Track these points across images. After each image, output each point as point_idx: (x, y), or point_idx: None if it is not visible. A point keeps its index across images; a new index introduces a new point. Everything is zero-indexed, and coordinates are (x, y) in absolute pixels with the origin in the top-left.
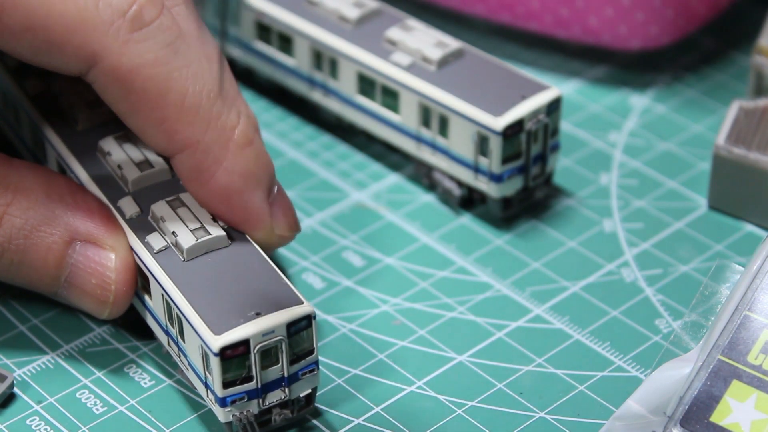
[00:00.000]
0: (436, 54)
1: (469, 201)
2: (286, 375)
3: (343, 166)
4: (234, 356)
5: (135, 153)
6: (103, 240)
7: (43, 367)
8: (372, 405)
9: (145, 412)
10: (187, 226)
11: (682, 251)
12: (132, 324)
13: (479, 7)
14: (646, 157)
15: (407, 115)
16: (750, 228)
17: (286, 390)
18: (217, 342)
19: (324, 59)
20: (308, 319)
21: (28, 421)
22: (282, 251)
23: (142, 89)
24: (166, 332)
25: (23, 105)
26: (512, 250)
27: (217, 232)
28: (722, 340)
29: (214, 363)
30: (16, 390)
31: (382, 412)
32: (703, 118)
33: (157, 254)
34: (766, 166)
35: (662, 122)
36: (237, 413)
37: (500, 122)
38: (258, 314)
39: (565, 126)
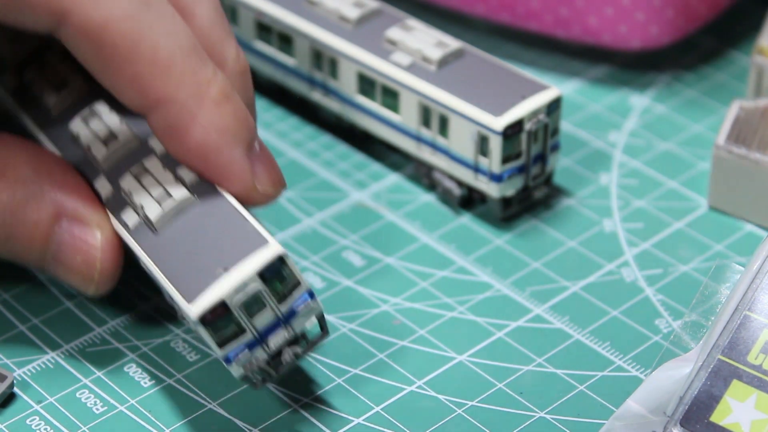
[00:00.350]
0: (436, 54)
1: (469, 201)
2: (280, 315)
3: (343, 165)
4: (217, 318)
5: (101, 129)
6: (89, 218)
7: (43, 366)
8: (372, 405)
9: (145, 412)
10: (152, 195)
11: (682, 251)
12: (132, 324)
13: (479, 7)
14: (646, 157)
15: (407, 115)
16: (750, 228)
17: (289, 328)
18: (193, 311)
19: (324, 59)
20: (280, 260)
21: (28, 421)
22: None
23: (113, 45)
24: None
25: (4, 100)
26: (512, 250)
27: (181, 194)
28: (722, 340)
29: (201, 330)
30: (16, 390)
31: (382, 412)
32: (703, 118)
33: (133, 232)
34: (766, 166)
35: (662, 122)
36: (247, 365)
37: (500, 122)
38: (225, 269)
39: (565, 126)
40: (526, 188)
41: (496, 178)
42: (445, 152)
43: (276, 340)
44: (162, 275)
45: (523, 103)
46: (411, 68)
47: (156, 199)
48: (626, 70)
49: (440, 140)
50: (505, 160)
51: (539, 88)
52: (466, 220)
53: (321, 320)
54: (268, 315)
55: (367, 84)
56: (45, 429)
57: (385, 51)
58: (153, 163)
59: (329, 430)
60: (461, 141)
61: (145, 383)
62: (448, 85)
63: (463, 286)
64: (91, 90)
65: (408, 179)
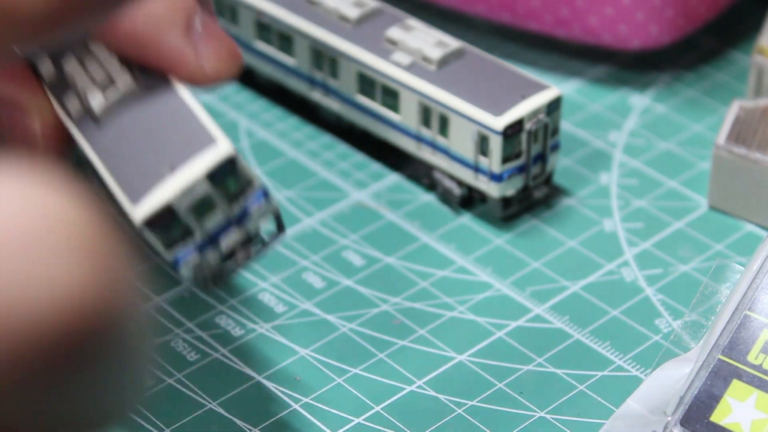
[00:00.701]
0: (436, 53)
1: (469, 201)
2: (231, 216)
3: (343, 165)
4: (163, 222)
5: None
6: (27, 103)
7: None
8: (372, 404)
9: (145, 411)
10: (95, 82)
11: (682, 251)
12: None
13: (479, 6)
14: (646, 156)
15: (407, 115)
16: (750, 228)
17: (242, 228)
18: (138, 213)
19: (324, 59)
20: (230, 161)
21: None
22: (282, 251)
23: None
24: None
25: None
26: (512, 250)
27: (125, 83)
28: (722, 340)
29: (147, 233)
30: None
31: (382, 412)
32: (703, 118)
33: (76, 120)
34: (766, 166)
35: (662, 122)
36: (197, 267)
37: (500, 122)
38: (172, 169)
39: (565, 126)
40: (527, 188)
41: (496, 178)
42: (445, 152)
43: (228, 241)
44: (106, 171)
45: (523, 102)
46: (411, 68)
47: (99, 86)
48: (626, 70)
49: (440, 140)
50: (505, 159)
51: (539, 87)
52: (466, 219)
53: (277, 218)
54: (218, 216)
55: (367, 84)
56: None
57: (385, 51)
58: (99, 46)
59: (329, 430)
60: (461, 141)
61: None
62: (448, 84)
63: (463, 286)
64: None
65: (408, 179)
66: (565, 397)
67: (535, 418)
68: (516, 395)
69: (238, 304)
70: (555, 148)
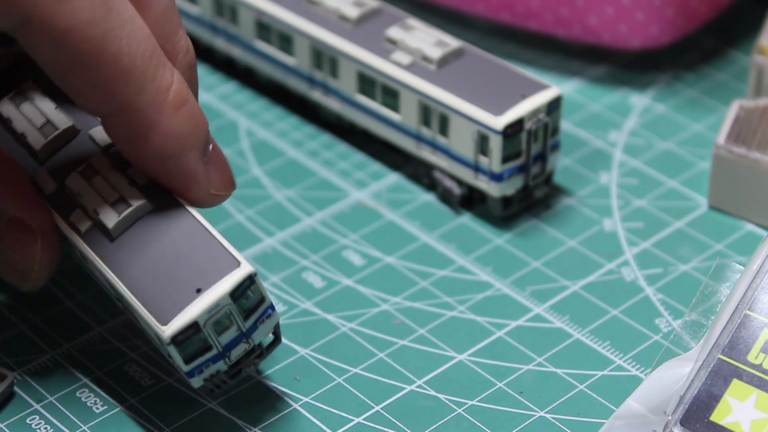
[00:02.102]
0: (436, 53)
1: (469, 200)
2: (243, 331)
3: (343, 165)
4: (187, 338)
5: (36, 115)
6: (29, 219)
7: (43, 366)
8: (372, 404)
9: (145, 411)
10: (106, 201)
11: (682, 250)
12: (132, 323)
13: (479, 6)
14: (646, 156)
15: (407, 114)
16: (750, 227)
17: (249, 340)
18: (167, 332)
19: (324, 58)
20: (250, 280)
21: (28, 420)
22: (282, 250)
23: (75, 51)
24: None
25: None
26: (512, 250)
27: (137, 200)
28: (722, 340)
29: (170, 349)
30: (16, 389)
31: (383, 411)
32: (703, 118)
33: (85, 236)
34: (766, 166)
35: (662, 122)
36: (208, 377)
37: (500, 121)
38: (199, 290)
39: (565, 125)
40: (527, 187)
41: (497, 178)
42: (445, 151)
43: (237, 352)
44: (127, 290)
45: (523, 102)
46: (411, 67)
47: (110, 204)
48: (626, 69)
49: (440, 139)
50: (505, 159)
51: (539, 87)
52: (466, 219)
53: (276, 329)
54: (233, 331)
55: (367, 83)
56: (45, 428)
57: (385, 50)
58: (101, 162)
59: (329, 429)
60: (461, 140)
61: (145, 382)
62: (448, 84)
63: (463, 286)
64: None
65: (408, 179)
66: (565, 397)
67: (535, 417)
68: (516, 395)
69: None
70: (555, 147)
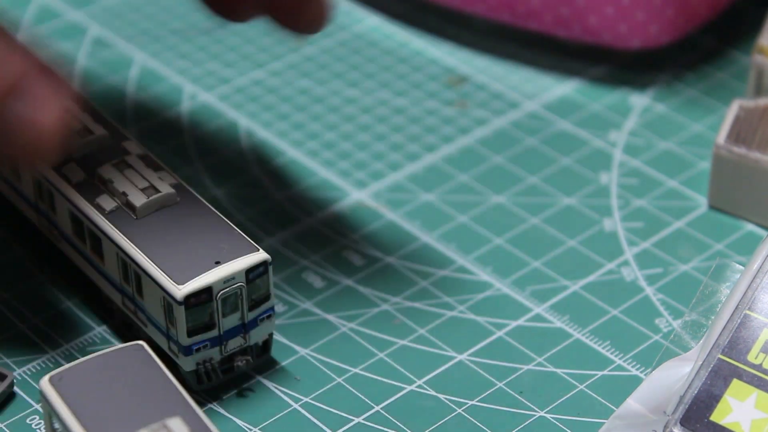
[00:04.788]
0: (140, 200)
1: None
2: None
3: (343, 165)
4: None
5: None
6: (46, 93)
7: (43, 366)
8: (372, 404)
9: None
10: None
11: (682, 250)
12: (132, 323)
13: (479, 6)
14: (646, 156)
15: (111, 265)
16: (750, 227)
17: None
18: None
19: (44, 190)
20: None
21: (28, 420)
22: (282, 250)
23: None
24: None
25: None
26: (512, 249)
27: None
28: (722, 339)
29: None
30: (16, 389)
31: (382, 411)
32: (703, 118)
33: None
34: (766, 166)
35: (662, 121)
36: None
37: (183, 290)
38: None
39: (565, 125)
40: (229, 358)
41: (185, 351)
42: (144, 312)
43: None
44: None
45: (216, 269)
46: (112, 214)
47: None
48: (626, 69)
49: (138, 299)
50: (193, 331)
51: (242, 251)
52: (466, 219)
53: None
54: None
55: (77, 224)
56: None
57: (95, 191)
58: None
59: (329, 429)
60: (155, 305)
61: None
62: (144, 238)
63: (463, 286)
64: None
65: (408, 179)
66: (565, 397)
67: (535, 417)
68: (516, 395)
69: None
70: (267, 315)
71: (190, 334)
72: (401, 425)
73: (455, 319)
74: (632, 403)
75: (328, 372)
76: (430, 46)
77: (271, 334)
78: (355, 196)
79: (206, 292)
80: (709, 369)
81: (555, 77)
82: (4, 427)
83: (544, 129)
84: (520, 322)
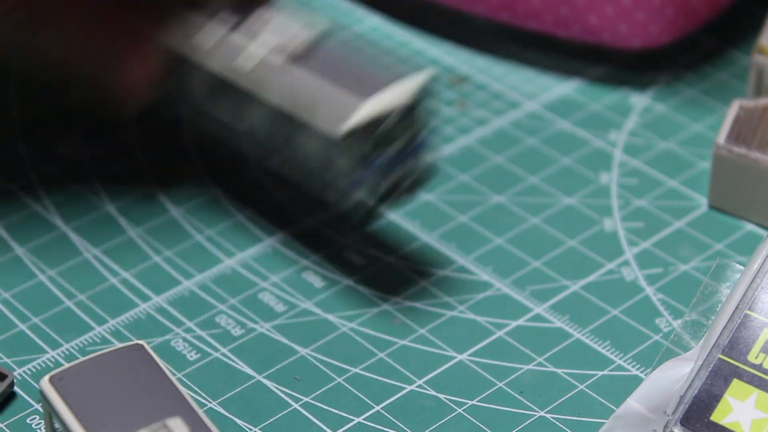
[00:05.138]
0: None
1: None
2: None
3: None
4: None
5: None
6: (151, 37)
7: (44, 365)
8: (372, 404)
9: None
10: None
11: (682, 250)
12: (132, 323)
13: (479, 6)
14: (647, 156)
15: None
16: (750, 227)
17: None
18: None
19: None
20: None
21: (28, 420)
22: (282, 250)
23: None
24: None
25: None
26: (512, 249)
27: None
28: (723, 339)
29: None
30: (16, 389)
31: (383, 411)
32: (703, 118)
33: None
34: (767, 166)
35: (662, 121)
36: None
37: (345, 125)
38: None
39: (565, 125)
40: (393, 189)
41: (352, 183)
42: (303, 153)
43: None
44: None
45: (375, 100)
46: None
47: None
48: (626, 69)
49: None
50: (359, 162)
51: (400, 76)
52: (466, 219)
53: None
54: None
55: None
56: None
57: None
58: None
59: (329, 429)
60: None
61: None
62: (303, 78)
63: (464, 286)
64: None
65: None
66: (565, 397)
67: (535, 417)
68: (516, 395)
69: (238, 304)
70: (422, 146)
71: (358, 163)
72: (401, 425)
73: (455, 319)
74: (632, 403)
75: (328, 372)
76: (430, 46)
77: (428, 166)
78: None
79: (372, 124)
80: (710, 369)
81: (555, 77)
82: (4, 427)
83: (544, 129)
84: (520, 322)
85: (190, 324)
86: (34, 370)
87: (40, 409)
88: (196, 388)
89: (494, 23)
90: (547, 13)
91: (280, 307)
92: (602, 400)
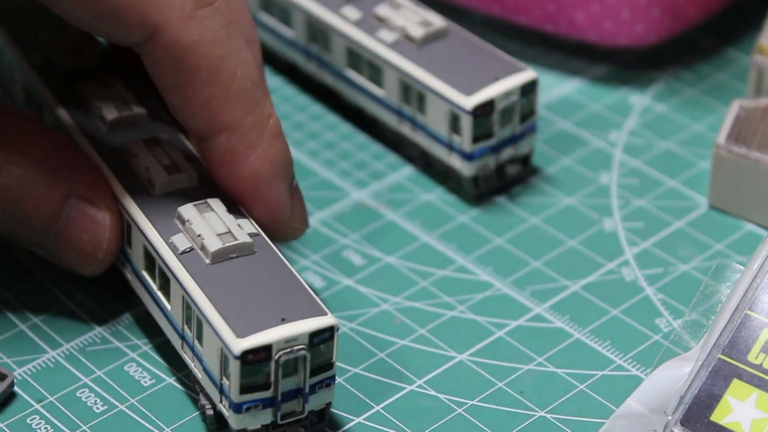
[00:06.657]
0: (418, 32)
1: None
2: (304, 387)
3: (343, 165)
4: (255, 361)
5: (163, 156)
6: (99, 199)
7: (44, 365)
8: (372, 404)
9: (145, 411)
10: (214, 230)
11: (682, 250)
12: (132, 323)
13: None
14: (647, 156)
15: (390, 91)
16: (750, 227)
17: (302, 403)
18: (240, 345)
19: (318, 33)
20: (331, 331)
21: (28, 420)
22: (283, 250)
23: (196, 66)
24: (182, 336)
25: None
26: (513, 249)
27: (243, 238)
28: (723, 339)
29: (234, 367)
30: (16, 389)
31: (383, 411)
32: (703, 118)
33: (181, 255)
34: (766, 166)
35: (662, 121)
36: (251, 422)
37: (471, 101)
38: (283, 320)
39: (566, 125)
40: (500, 168)
41: (467, 157)
42: (423, 128)
43: (286, 409)
44: (209, 304)
45: (496, 84)
46: (394, 45)
47: (218, 234)
48: (626, 69)
49: (419, 117)
50: (476, 139)
51: (515, 69)
52: (466, 219)
53: (327, 407)
54: (294, 382)
55: (355, 58)
56: (45, 428)
57: (372, 27)
58: (218, 205)
59: (330, 430)
60: (436, 118)
61: (146, 382)
62: (427, 63)
63: (464, 286)
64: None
65: (408, 178)
66: (565, 397)
67: (535, 417)
68: (516, 395)
69: None
70: (531, 130)
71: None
72: (401, 425)
73: (455, 319)
74: (632, 403)
75: None
76: None
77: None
78: (355, 196)
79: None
80: (710, 369)
81: (555, 77)
82: (4, 427)
83: (544, 129)
84: (520, 322)
85: None
86: (34, 370)
87: (40, 409)
88: (196, 388)
89: (484, 15)
90: (535, 8)
91: None
92: (602, 400)
